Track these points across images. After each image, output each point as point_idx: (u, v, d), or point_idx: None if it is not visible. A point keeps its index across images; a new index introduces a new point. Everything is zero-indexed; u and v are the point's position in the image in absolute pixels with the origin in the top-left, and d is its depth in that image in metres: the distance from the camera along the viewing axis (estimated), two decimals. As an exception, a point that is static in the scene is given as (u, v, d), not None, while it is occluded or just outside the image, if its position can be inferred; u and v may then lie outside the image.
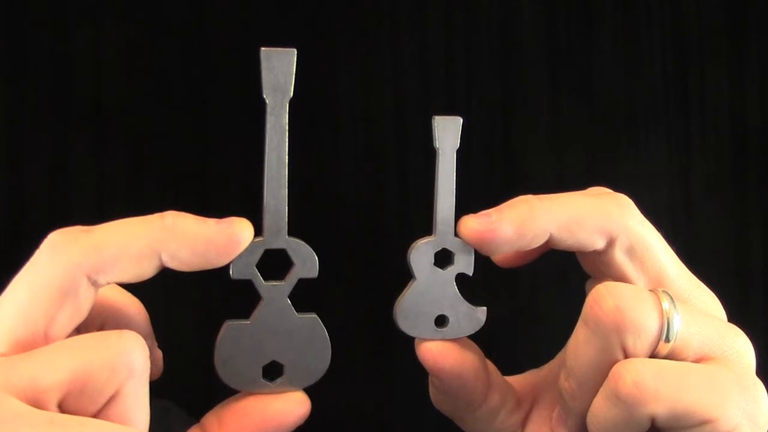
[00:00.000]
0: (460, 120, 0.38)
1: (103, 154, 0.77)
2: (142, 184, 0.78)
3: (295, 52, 0.34)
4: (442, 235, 0.38)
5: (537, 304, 0.81)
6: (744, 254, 0.83)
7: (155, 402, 0.33)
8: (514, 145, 0.83)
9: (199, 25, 0.79)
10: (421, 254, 0.38)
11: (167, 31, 0.78)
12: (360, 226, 0.80)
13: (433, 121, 0.38)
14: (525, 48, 0.83)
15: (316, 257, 0.36)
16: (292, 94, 0.34)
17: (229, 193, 0.78)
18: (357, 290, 0.78)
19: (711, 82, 0.85)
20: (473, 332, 0.38)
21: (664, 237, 0.38)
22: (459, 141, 0.38)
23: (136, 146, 0.78)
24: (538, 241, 0.37)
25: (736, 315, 0.39)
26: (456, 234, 0.38)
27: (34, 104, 0.77)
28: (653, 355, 0.34)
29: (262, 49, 0.34)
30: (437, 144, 0.38)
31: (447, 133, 0.38)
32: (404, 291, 0.38)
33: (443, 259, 0.38)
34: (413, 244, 0.38)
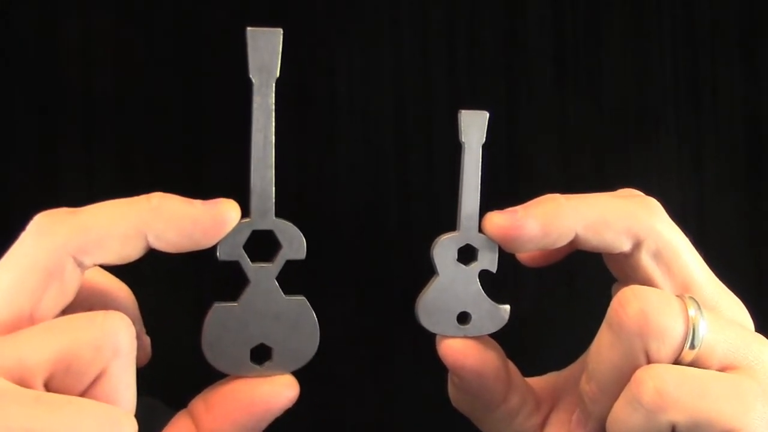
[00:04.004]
0: (487, 114, 0.38)
1: (92, 145, 0.77)
2: (131, 176, 0.77)
3: (281, 32, 0.34)
4: (466, 231, 0.37)
5: (543, 308, 0.81)
6: (757, 254, 0.83)
7: (142, 400, 0.33)
8: (520, 145, 0.82)
9: (191, 17, 0.78)
10: (444, 249, 0.37)
11: (158, 22, 0.78)
12: (360, 227, 0.79)
13: (459, 115, 0.38)
14: (531, 44, 0.82)
15: (304, 238, 0.35)
16: (278, 74, 0.34)
17: (220, 176, 0.77)
18: (357, 292, 0.78)
19: (723, 78, 0.84)
20: (496, 330, 0.38)
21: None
22: (485, 136, 0.38)
23: (125, 139, 0.77)
24: (564, 240, 0.36)
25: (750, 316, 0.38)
26: (480, 230, 0.37)
27: (22, 100, 0.76)
28: (677, 362, 0.34)
29: (248, 29, 0.34)
30: (463, 138, 0.38)
31: (473, 127, 0.38)
32: (426, 287, 0.37)
33: (467, 255, 0.37)
34: (436, 239, 0.37)
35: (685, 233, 0.38)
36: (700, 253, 0.38)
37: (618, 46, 0.83)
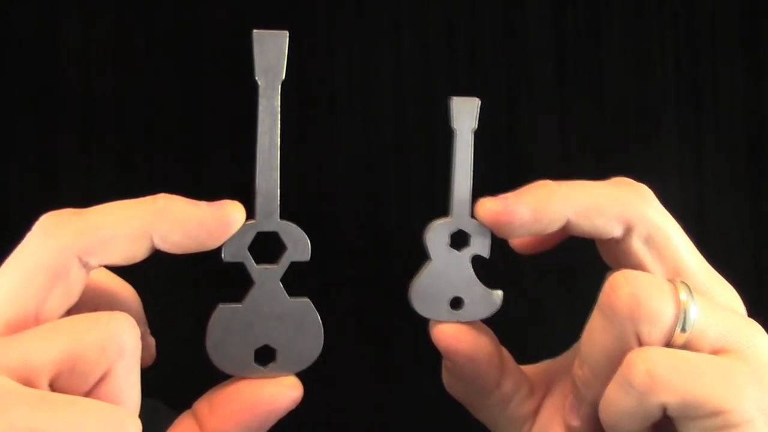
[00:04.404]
0: (478, 101, 0.38)
1: (91, 145, 0.77)
2: (131, 176, 0.78)
3: (287, 35, 0.34)
4: (458, 217, 0.37)
5: (542, 302, 0.81)
6: (757, 254, 0.83)
7: (144, 401, 0.33)
8: (520, 145, 0.82)
9: (191, 17, 0.78)
10: (436, 235, 0.37)
11: (158, 22, 0.78)
12: (360, 227, 0.79)
13: (450, 101, 0.38)
14: (531, 44, 0.82)
15: (308, 240, 0.35)
16: (284, 76, 0.34)
17: (220, 176, 0.77)
18: (357, 292, 0.78)
19: (723, 78, 0.84)
20: (489, 315, 0.38)
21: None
22: (477, 122, 0.38)
23: (125, 139, 0.77)
24: (555, 226, 0.36)
25: (749, 315, 0.38)
26: (473, 215, 0.37)
27: (20, 100, 0.76)
28: (668, 345, 0.34)
29: (255, 31, 0.34)
30: (454, 125, 0.38)
31: (464, 113, 0.38)
32: (419, 272, 0.37)
33: (459, 240, 0.37)
34: (429, 225, 0.37)
35: (686, 231, 0.38)
36: (700, 252, 0.38)
37: (618, 46, 0.83)
